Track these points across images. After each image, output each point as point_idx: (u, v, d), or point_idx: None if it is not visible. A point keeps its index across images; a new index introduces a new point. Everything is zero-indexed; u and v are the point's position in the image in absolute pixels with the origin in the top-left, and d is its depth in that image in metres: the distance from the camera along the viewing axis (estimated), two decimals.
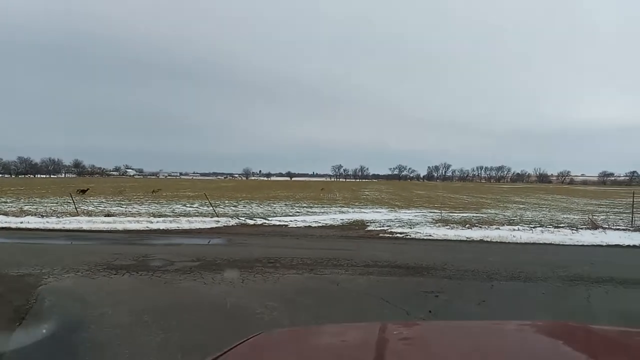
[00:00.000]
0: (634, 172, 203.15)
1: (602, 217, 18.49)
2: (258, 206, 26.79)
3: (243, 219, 17.30)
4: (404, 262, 8.90)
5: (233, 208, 24.77)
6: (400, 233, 13.79)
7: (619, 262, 9.31)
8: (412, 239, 13.01)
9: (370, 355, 1.23)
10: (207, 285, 7.06)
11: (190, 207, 25.21)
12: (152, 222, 15.85)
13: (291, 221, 17.08)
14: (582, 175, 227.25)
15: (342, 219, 18.63)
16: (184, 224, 15.65)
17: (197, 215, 18.89)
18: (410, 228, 15.02)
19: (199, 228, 15.00)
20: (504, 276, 7.68)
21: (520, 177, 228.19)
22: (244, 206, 26.53)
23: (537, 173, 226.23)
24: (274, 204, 29.30)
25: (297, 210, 23.53)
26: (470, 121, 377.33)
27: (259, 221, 16.89)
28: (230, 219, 17.06)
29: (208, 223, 15.93)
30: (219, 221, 16.36)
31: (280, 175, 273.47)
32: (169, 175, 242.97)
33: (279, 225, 16.06)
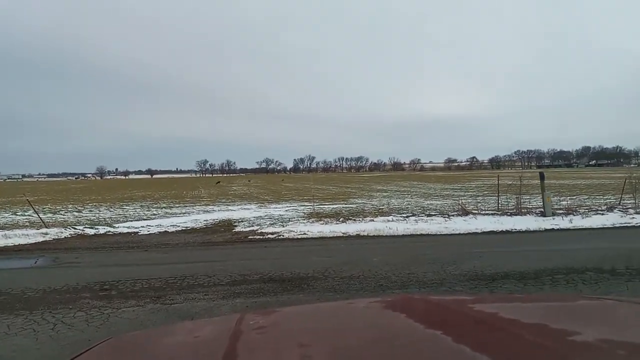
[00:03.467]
0: (473, 157, 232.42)
1: (462, 201, 19.08)
2: (108, 210, 23.19)
3: (80, 228, 14.11)
4: (279, 272, 7.30)
5: (76, 214, 20.97)
6: (272, 233, 12.21)
7: (502, 251, 8.85)
8: (286, 239, 11.50)
9: (222, 349, 1.17)
10: None
11: (22, 215, 20.72)
12: None
13: (144, 227, 14.42)
14: (430, 162, 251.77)
15: (207, 220, 16.49)
16: None
17: (24, 227, 15.14)
18: (283, 226, 13.55)
19: (19, 244, 11.66)
20: (395, 282, 6.50)
21: (377, 166, 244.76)
22: (90, 211, 22.72)
23: (392, 162, 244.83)
24: (127, 206, 25.76)
25: (154, 213, 20.62)
26: (332, 116, 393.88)
27: (102, 230, 13.90)
28: (64, 229, 13.75)
29: (33, 237, 12.54)
30: (47, 233, 13.00)
31: (140, 173, 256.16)
32: (8, 178, 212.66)
33: (128, 233, 13.35)
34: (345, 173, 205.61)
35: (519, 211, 14.49)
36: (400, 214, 15.96)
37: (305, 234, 11.98)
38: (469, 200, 20.81)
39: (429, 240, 10.78)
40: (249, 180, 76.92)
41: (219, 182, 65.65)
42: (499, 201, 16.23)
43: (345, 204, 22.73)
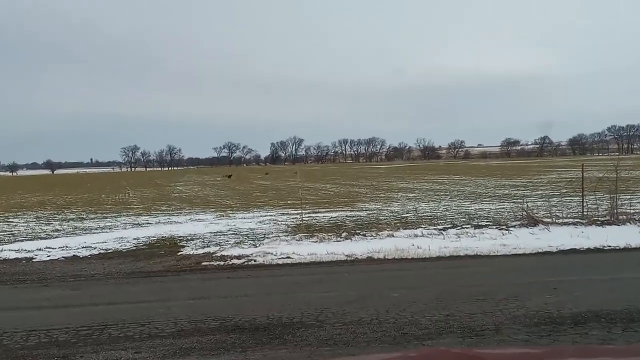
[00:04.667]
0: (545, 138, 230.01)
1: (529, 204, 19.20)
2: None
3: None
4: (249, 316, 7.37)
5: None
6: (239, 257, 12.29)
7: (589, 280, 8.96)
8: (261, 266, 11.61)
9: None
10: None
11: None
12: None
13: (42, 250, 14.47)
14: (480, 146, 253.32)
15: (138, 239, 16.53)
16: None
17: None
18: (256, 246, 13.67)
19: None
20: (427, 329, 6.57)
21: (399, 153, 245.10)
22: None
23: (422, 146, 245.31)
24: (16, 218, 25.83)
25: (57, 228, 20.68)
26: (330, 81, 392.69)
27: None
28: None
29: None
30: None
31: (35, 167, 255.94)
32: None
33: (17, 259, 13.41)
34: (352, 164, 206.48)
35: (614, 219, 14.60)
36: (435, 225, 16.07)
37: (289, 257, 12.07)
38: (539, 204, 20.97)
39: (478, 264, 10.94)
40: (229, 176, 76.53)
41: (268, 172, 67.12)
42: (585, 204, 16.35)
43: (351, 211, 22.89)
